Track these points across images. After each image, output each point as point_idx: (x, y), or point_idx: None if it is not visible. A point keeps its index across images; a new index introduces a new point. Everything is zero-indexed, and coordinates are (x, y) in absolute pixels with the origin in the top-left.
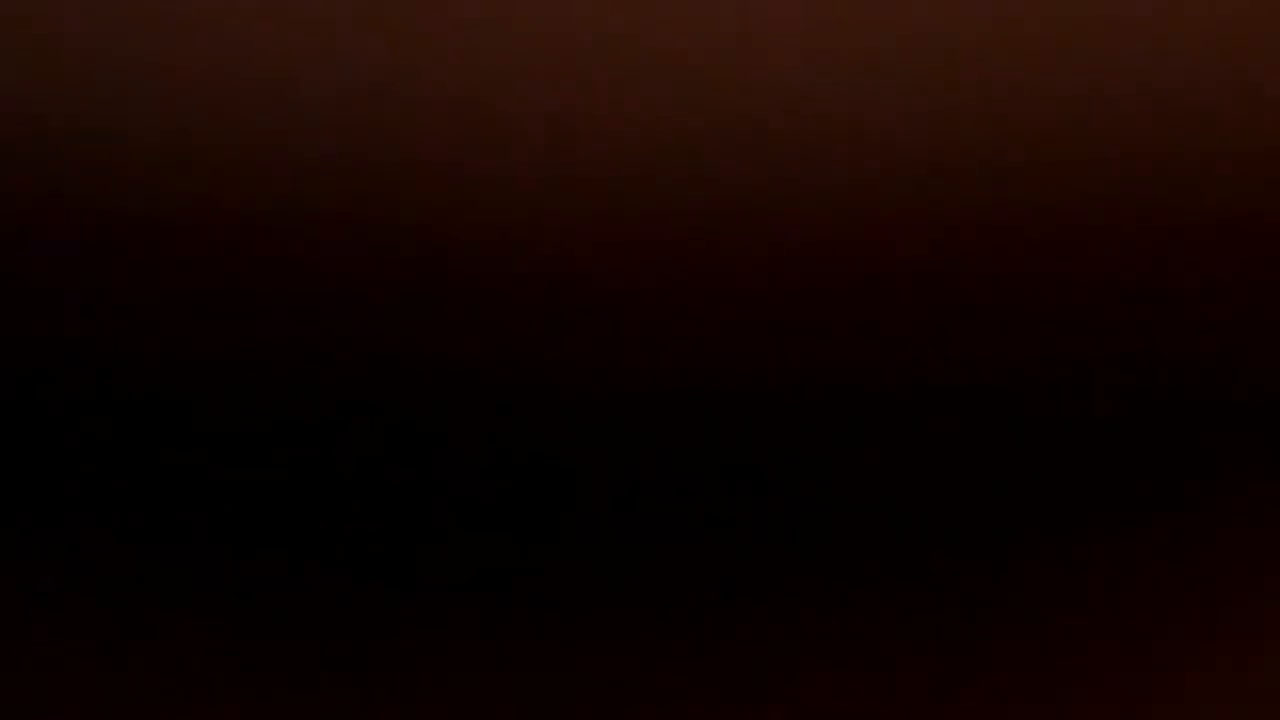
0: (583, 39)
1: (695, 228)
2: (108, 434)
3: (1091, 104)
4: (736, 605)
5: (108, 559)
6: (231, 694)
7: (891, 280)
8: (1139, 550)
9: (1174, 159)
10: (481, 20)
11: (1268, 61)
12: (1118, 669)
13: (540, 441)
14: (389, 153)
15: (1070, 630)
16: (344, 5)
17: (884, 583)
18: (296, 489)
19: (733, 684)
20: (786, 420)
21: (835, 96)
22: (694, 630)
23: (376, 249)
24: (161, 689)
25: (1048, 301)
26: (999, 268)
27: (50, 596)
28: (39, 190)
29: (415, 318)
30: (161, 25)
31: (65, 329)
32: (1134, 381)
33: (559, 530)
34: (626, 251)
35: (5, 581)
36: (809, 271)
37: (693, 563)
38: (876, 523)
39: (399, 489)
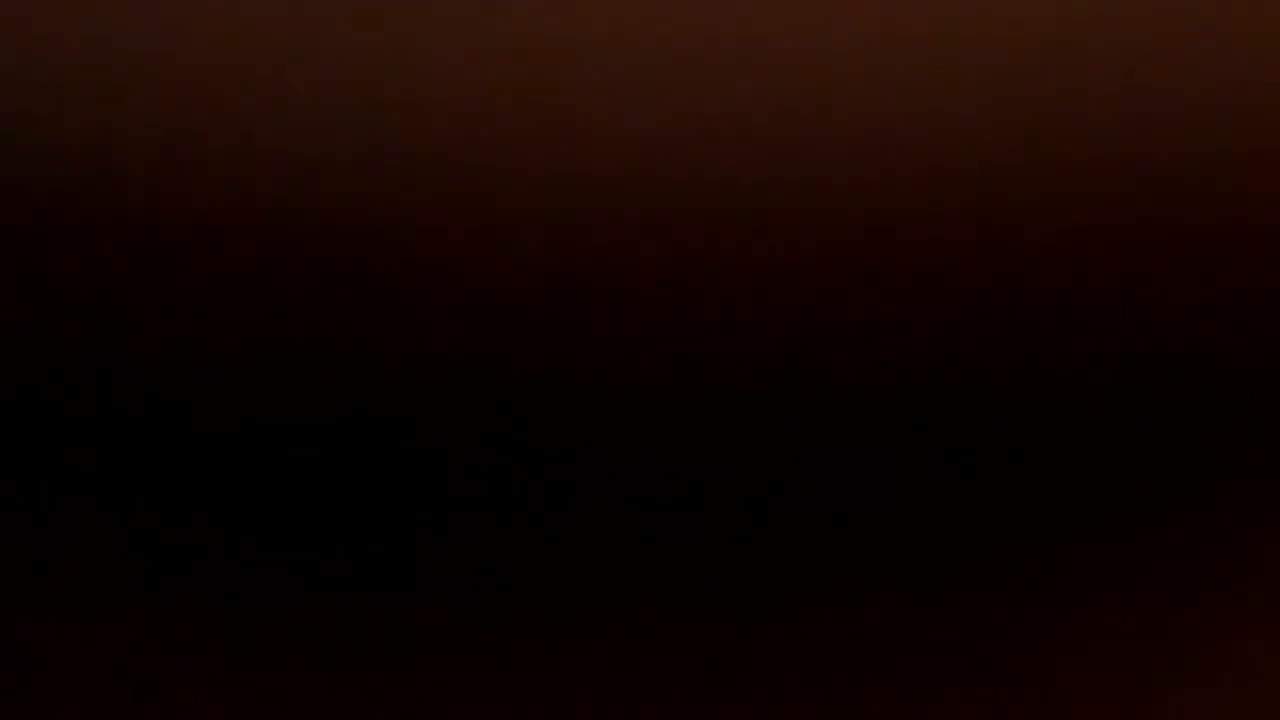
0: (583, 39)
1: (695, 228)
2: (106, 433)
3: (1090, 105)
4: (736, 605)
5: (107, 559)
6: (231, 694)
7: (891, 281)
8: (1138, 550)
9: (1174, 160)
10: (481, 21)
11: (1267, 62)
12: (1118, 669)
13: (540, 441)
14: (389, 153)
15: (1070, 630)
16: (344, 5)
17: (883, 583)
18: (296, 489)
19: (732, 685)
20: (786, 420)
21: (835, 96)
22: (693, 631)
23: (377, 249)
24: (161, 689)
25: (1047, 301)
26: (999, 268)
27: (50, 596)
28: (39, 190)
29: (415, 317)
30: (161, 25)
31: (65, 329)
32: (1133, 381)
33: (558, 530)
34: (626, 251)
35: (5, 581)
36: (809, 272)
37: (692, 563)
38: (876, 522)
39: (398, 489)
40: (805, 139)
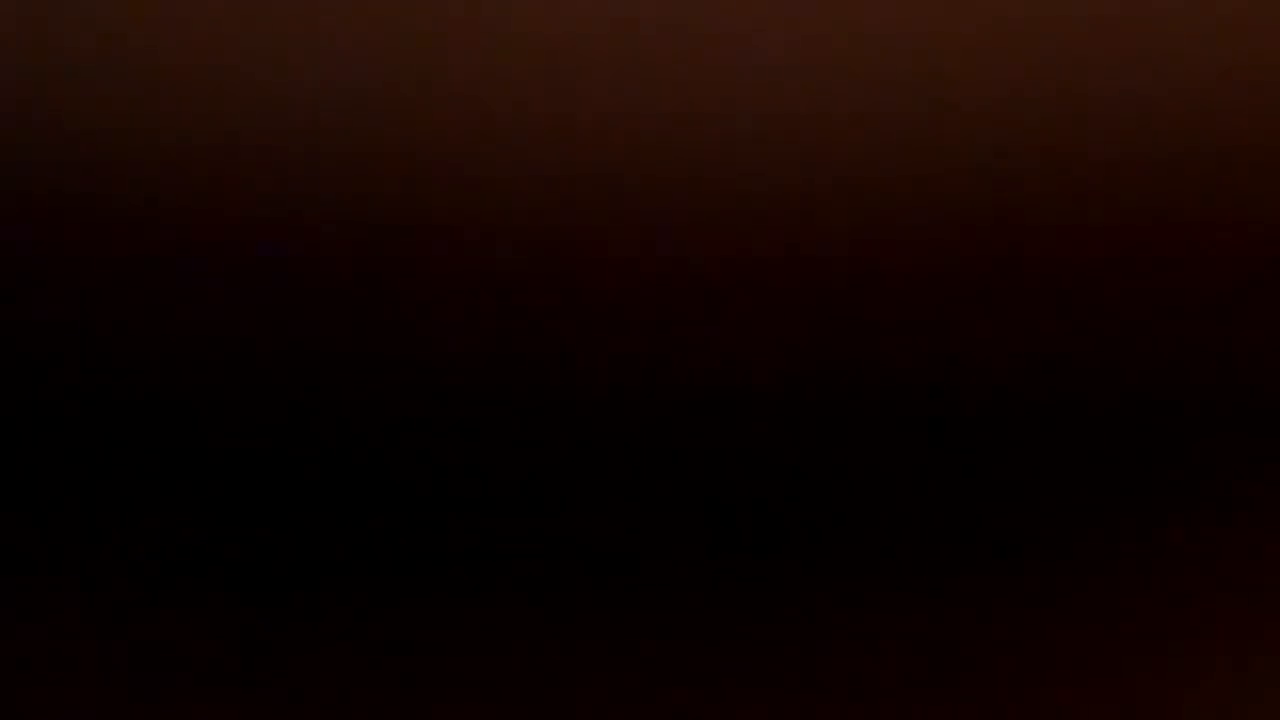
0: (583, 39)
1: (695, 228)
2: (106, 433)
3: (1089, 105)
4: (736, 606)
5: (107, 558)
6: (231, 693)
7: (891, 281)
8: (1139, 550)
9: (1173, 160)
10: (482, 20)
11: (1267, 62)
12: (1118, 669)
13: (539, 441)
14: (389, 153)
15: (1070, 630)
16: (344, 5)
17: (883, 582)
18: (296, 489)
19: (733, 684)
20: (786, 420)
21: (836, 98)
22: (693, 630)
23: (376, 248)
24: (161, 689)
25: (1046, 302)
26: (998, 268)
27: (50, 596)
28: (39, 190)
29: (415, 317)
30: (161, 25)
31: (65, 328)
32: (1133, 381)
33: (558, 530)
34: (626, 251)
35: (5, 581)
36: (807, 272)
37: (692, 562)
38: (876, 522)
39: (397, 488)
40: (806, 139)
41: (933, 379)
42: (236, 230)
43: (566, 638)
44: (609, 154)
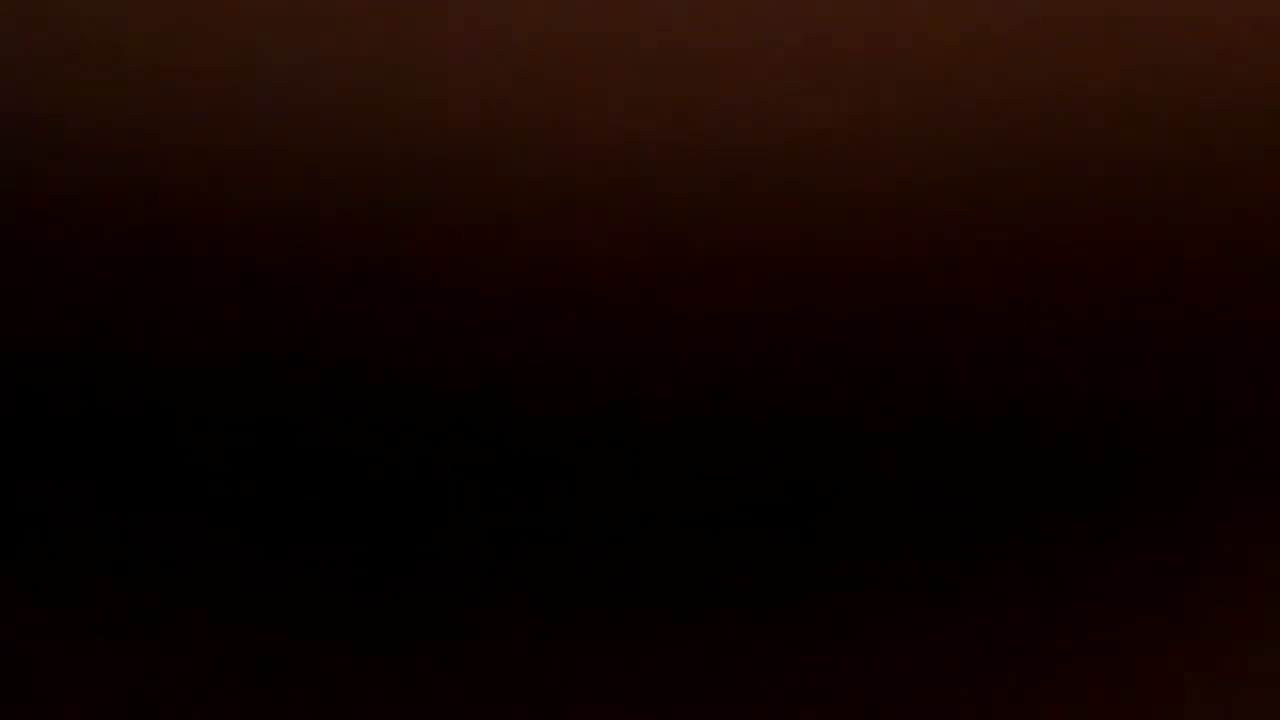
0: (582, 40)
1: (695, 228)
2: (106, 433)
3: (1087, 107)
4: (736, 606)
5: (106, 559)
6: (230, 694)
7: (891, 281)
8: (1138, 551)
9: (1173, 161)
10: (481, 20)
11: (1266, 63)
12: (1118, 669)
13: (539, 441)
14: (389, 152)
15: (1069, 630)
16: (344, 5)
17: (882, 582)
18: (296, 489)
19: (732, 684)
20: (786, 420)
21: (835, 98)
22: (693, 630)
23: (376, 248)
24: (160, 688)
25: (1046, 302)
26: (996, 268)
27: (50, 596)
28: (39, 190)
29: (415, 317)
30: (161, 25)
31: (65, 329)
32: (1133, 381)
33: (557, 530)
34: (625, 251)
35: (5, 581)
36: (807, 272)
37: (693, 562)
38: (875, 521)
39: (397, 488)
40: (805, 139)
41: (932, 379)
42: (236, 230)
43: (566, 638)
44: (609, 154)
